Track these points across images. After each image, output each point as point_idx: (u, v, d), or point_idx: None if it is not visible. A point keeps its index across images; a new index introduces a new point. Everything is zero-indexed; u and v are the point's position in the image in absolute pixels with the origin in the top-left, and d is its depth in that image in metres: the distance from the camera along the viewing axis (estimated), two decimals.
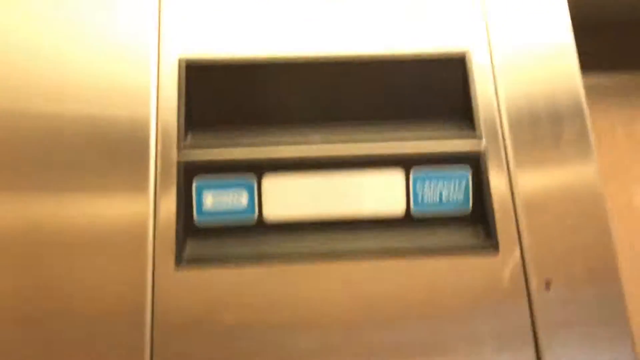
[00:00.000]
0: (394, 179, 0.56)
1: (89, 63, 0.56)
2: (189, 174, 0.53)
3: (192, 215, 0.54)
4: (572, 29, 0.62)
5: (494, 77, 0.59)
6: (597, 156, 0.57)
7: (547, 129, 0.57)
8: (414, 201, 0.56)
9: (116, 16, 0.58)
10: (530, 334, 0.52)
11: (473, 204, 0.56)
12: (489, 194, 0.55)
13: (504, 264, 0.53)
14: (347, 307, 0.51)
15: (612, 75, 0.79)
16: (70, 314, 0.49)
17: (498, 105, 0.58)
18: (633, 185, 0.77)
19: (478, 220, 0.56)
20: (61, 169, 0.52)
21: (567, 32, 0.61)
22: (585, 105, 0.58)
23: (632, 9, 0.72)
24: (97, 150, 0.53)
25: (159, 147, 0.54)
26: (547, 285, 0.53)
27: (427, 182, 0.56)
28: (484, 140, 0.57)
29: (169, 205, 0.53)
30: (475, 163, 0.56)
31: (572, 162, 0.56)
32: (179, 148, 0.54)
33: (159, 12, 0.58)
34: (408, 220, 0.56)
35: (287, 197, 0.55)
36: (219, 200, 0.54)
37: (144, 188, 0.53)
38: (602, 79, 0.76)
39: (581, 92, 0.59)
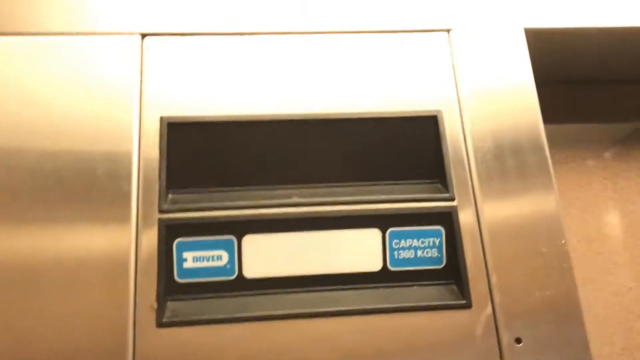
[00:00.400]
0: (371, 237, 0.58)
1: (75, 119, 0.57)
2: (170, 234, 0.54)
3: (173, 274, 0.54)
4: (532, 75, 0.65)
5: (464, 134, 0.62)
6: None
7: (513, 178, 0.60)
8: (390, 258, 0.58)
9: (100, 74, 0.59)
10: None
11: (447, 259, 0.58)
12: (462, 251, 0.58)
13: (477, 319, 0.55)
14: None
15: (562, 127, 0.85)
16: None
17: (468, 162, 0.61)
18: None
19: (452, 276, 0.58)
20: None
21: (529, 76, 0.66)
22: (546, 148, 0.62)
23: (584, 69, 0.78)
24: (79, 209, 0.54)
25: (139, 205, 0.55)
26: (518, 340, 0.55)
27: (402, 241, 0.58)
28: (455, 200, 0.59)
29: (150, 263, 0.54)
30: (448, 222, 0.59)
31: (539, 216, 0.59)
32: (160, 208, 0.55)
33: (141, 73, 0.60)
34: (385, 277, 0.58)
35: (268, 256, 0.56)
36: (199, 259, 0.55)
37: (124, 248, 0.54)
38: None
39: (542, 133, 0.62)
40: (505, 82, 0.65)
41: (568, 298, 0.58)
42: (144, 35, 0.62)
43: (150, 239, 0.55)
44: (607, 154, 0.87)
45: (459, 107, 0.63)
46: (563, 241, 0.59)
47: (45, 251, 0.53)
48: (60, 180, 0.55)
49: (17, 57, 0.59)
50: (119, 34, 0.61)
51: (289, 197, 0.58)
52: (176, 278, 0.54)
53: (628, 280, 0.81)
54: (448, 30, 0.67)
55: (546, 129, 0.64)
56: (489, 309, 0.56)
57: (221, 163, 0.59)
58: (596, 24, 0.70)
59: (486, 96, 0.64)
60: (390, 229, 0.58)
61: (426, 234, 0.59)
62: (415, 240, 0.58)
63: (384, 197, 0.59)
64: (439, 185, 0.61)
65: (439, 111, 0.63)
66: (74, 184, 0.55)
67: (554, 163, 0.62)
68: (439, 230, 0.59)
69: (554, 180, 0.61)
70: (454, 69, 0.65)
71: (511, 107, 0.64)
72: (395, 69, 0.65)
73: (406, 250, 0.58)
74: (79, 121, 0.58)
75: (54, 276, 0.53)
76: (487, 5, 0.68)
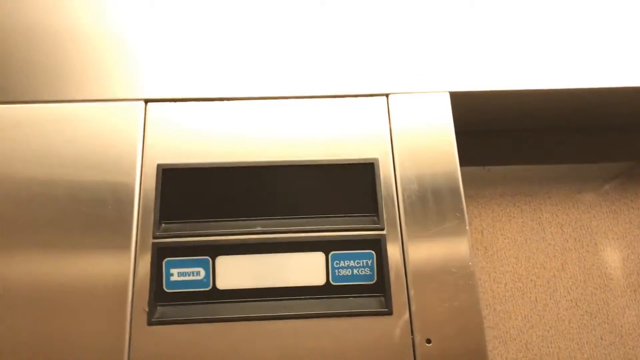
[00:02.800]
0: (317, 259, 0.74)
1: (90, 165, 0.75)
2: (160, 255, 0.71)
3: (162, 285, 0.72)
4: (453, 131, 0.82)
5: (395, 178, 0.79)
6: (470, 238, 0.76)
7: (433, 214, 0.77)
8: (332, 275, 0.74)
9: (112, 131, 0.77)
10: None
11: (377, 277, 0.75)
12: (388, 271, 0.74)
13: (397, 324, 0.72)
14: (277, 355, 0.69)
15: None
16: None
17: (397, 200, 0.78)
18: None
19: (380, 290, 0.74)
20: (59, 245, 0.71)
21: (450, 132, 0.81)
22: (462, 192, 0.78)
23: (502, 119, 0.95)
24: (89, 234, 0.72)
25: (138, 232, 0.73)
26: (428, 341, 0.71)
27: (342, 261, 0.75)
28: (385, 230, 0.76)
29: (144, 277, 0.71)
30: (378, 247, 0.75)
31: (451, 244, 0.76)
32: (154, 235, 0.72)
33: (144, 130, 0.78)
34: (327, 290, 0.74)
35: (236, 272, 0.73)
36: (183, 274, 0.72)
37: (125, 263, 0.71)
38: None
39: (459, 180, 0.79)
40: (430, 137, 0.81)
41: (471, 307, 0.73)
42: (147, 101, 0.80)
43: (145, 258, 0.72)
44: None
45: (392, 156, 0.80)
46: (470, 262, 0.75)
47: (65, 274, 0.70)
48: (80, 212, 0.73)
49: (47, 120, 0.77)
50: (127, 100, 0.80)
51: (254, 226, 0.75)
52: (164, 288, 0.71)
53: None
54: (387, 95, 0.84)
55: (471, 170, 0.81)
56: (407, 316, 0.72)
57: (202, 200, 0.76)
58: (509, 87, 0.87)
59: (414, 148, 0.81)
60: (332, 252, 0.75)
61: (361, 257, 0.75)
62: (352, 261, 0.75)
63: (328, 227, 0.75)
64: (373, 218, 0.77)
65: (375, 159, 0.79)
66: (90, 213, 0.73)
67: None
68: (370, 254, 0.75)
69: (465, 214, 0.78)
70: (390, 125, 0.82)
71: (434, 157, 0.80)
72: (343, 125, 0.81)
73: (345, 269, 0.75)
74: (96, 165, 0.75)
75: (71, 295, 0.69)
76: (419, 74, 0.86)
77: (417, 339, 0.70)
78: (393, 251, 0.74)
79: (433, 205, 0.77)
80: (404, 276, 0.73)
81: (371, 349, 0.70)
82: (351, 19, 0.88)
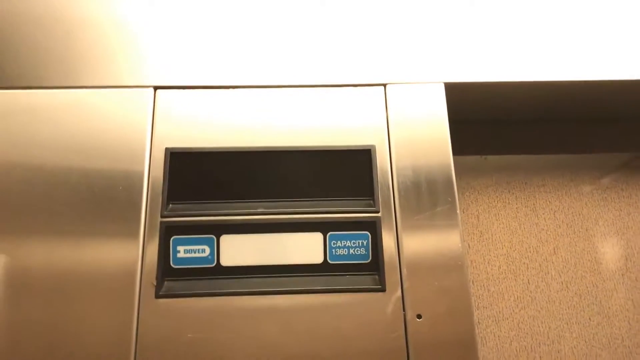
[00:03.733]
0: (315, 238, 0.79)
1: (103, 148, 0.80)
2: (168, 233, 0.76)
3: (169, 261, 0.76)
4: (448, 122, 0.86)
5: (391, 165, 0.83)
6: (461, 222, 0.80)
7: (425, 199, 0.81)
8: (329, 254, 0.79)
9: (123, 117, 0.82)
10: (405, 351, 0.74)
11: (371, 256, 0.79)
12: (382, 251, 0.78)
13: (389, 300, 0.76)
14: (276, 328, 0.74)
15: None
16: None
17: (392, 186, 0.82)
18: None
19: (374, 268, 0.78)
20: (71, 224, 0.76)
21: (444, 122, 0.85)
22: (454, 179, 0.82)
23: (498, 110, 0.99)
24: (101, 214, 0.77)
25: (147, 212, 0.78)
26: (419, 316, 0.76)
27: (339, 241, 0.79)
28: (380, 213, 0.80)
29: (152, 253, 0.76)
30: (373, 228, 0.79)
31: (442, 227, 0.80)
32: (162, 214, 0.77)
33: (153, 116, 0.82)
34: (325, 268, 0.78)
35: (239, 250, 0.78)
36: (189, 251, 0.77)
37: (135, 241, 0.76)
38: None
39: (452, 168, 0.83)
40: (425, 126, 0.85)
41: (461, 286, 0.77)
42: (156, 88, 0.85)
43: (154, 236, 0.77)
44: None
45: (389, 144, 0.84)
46: (459, 245, 0.79)
47: (78, 253, 0.74)
48: (93, 194, 0.78)
49: (60, 105, 0.82)
50: (137, 87, 0.84)
51: (257, 208, 0.80)
52: (172, 264, 0.76)
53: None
54: (384, 85, 0.88)
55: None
56: (399, 293, 0.76)
57: (208, 182, 0.81)
58: (502, 79, 0.91)
59: (410, 136, 0.85)
60: (329, 233, 0.79)
61: (357, 237, 0.79)
62: (348, 242, 0.79)
63: (326, 209, 0.80)
64: (369, 202, 0.81)
65: (372, 146, 0.83)
66: (102, 195, 0.78)
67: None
68: (366, 234, 0.79)
69: (457, 200, 0.82)
70: (387, 114, 0.86)
71: (428, 145, 0.84)
72: (343, 113, 0.86)
73: (341, 249, 0.79)
74: (107, 149, 0.80)
75: (84, 273, 0.73)
76: (415, 65, 0.90)
77: (409, 314, 0.75)
78: (387, 233, 0.78)
79: (426, 190, 0.81)
80: (397, 256, 0.77)
81: (365, 323, 0.74)
82: (352, 12, 0.92)
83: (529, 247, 1.02)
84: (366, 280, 0.76)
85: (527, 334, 0.97)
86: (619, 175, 1.07)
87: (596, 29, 0.93)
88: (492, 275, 1.00)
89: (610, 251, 1.03)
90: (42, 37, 0.87)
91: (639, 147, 1.09)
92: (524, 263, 1.01)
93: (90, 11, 0.89)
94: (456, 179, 0.82)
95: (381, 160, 0.82)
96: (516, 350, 0.96)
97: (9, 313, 0.71)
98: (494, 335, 0.96)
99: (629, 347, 0.97)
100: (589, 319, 0.99)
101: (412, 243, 0.78)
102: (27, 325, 0.71)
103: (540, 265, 1.01)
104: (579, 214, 1.05)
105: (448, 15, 0.92)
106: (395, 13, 0.92)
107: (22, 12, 0.88)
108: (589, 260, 1.02)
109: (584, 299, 1.00)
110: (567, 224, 1.04)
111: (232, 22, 0.90)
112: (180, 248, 0.75)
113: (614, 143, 1.09)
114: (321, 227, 0.78)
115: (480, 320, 0.97)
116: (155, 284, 0.73)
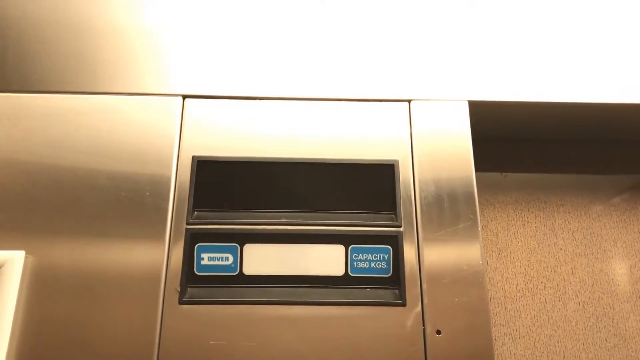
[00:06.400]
0: (337, 251, 0.80)
1: (132, 153, 0.81)
2: (193, 240, 0.77)
3: (193, 268, 0.78)
4: (470, 138, 0.87)
5: (414, 180, 0.84)
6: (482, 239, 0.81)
7: (447, 215, 0.82)
8: (351, 267, 0.79)
9: (151, 124, 0.83)
10: None
11: (392, 270, 0.80)
12: (403, 265, 0.79)
13: (409, 315, 0.77)
14: (296, 337, 0.75)
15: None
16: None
17: (415, 200, 0.83)
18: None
19: (395, 282, 0.79)
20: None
21: (467, 139, 0.86)
22: (476, 196, 0.83)
23: (519, 128, 1.00)
24: (128, 220, 0.78)
25: (173, 219, 0.79)
26: (438, 332, 0.76)
27: (360, 254, 0.80)
28: (402, 227, 0.81)
29: (177, 259, 0.77)
30: (395, 243, 0.80)
31: (463, 243, 0.80)
32: (187, 221, 0.78)
33: (181, 124, 0.84)
34: (346, 281, 0.79)
35: (261, 260, 0.79)
36: (213, 259, 0.78)
37: (160, 246, 0.77)
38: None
39: (474, 185, 0.83)
40: (448, 143, 0.86)
41: (480, 303, 0.78)
42: (185, 97, 0.87)
43: (179, 243, 0.78)
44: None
45: (412, 159, 0.85)
46: (480, 261, 0.80)
47: (105, 258, 0.75)
48: (120, 199, 0.79)
49: (92, 110, 0.84)
50: (166, 95, 0.86)
51: (280, 218, 0.81)
52: (195, 271, 0.77)
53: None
54: (409, 101, 0.89)
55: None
56: (419, 308, 0.77)
57: (233, 191, 0.82)
58: (525, 98, 0.91)
59: (433, 152, 0.86)
60: (351, 245, 0.80)
61: (378, 251, 0.80)
62: (370, 255, 0.80)
63: (348, 222, 0.80)
64: (391, 216, 0.82)
65: (396, 161, 0.84)
66: (129, 200, 0.79)
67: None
68: (387, 249, 0.80)
69: (478, 216, 0.83)
70: (410, 130, 0.87)
71: (451, 162, 0.85)
72: (367, 127, 0.87)
73: (363, 262, 0.80)
74: (135, 155, 0.81)
75: (110, 277, 0.74)
76: (440, 82, 0.91)
77: (428, 329, 0.75)
78: (408, 247, 0.79)
79: (448, 206, 0.82)
80: (418, 271, 0.78)
81: (384, 336, 0.75)
82: (380, 30, 0.94)
83: (547, 267, 1.03)
84: (387, 294, 0.77)
85: (543, 353, 0.97)
86: (637, 197, 1.07)
87: (615, 53, 0.94)
88: (510, 293, 1.00)
89: (627, 273, 1.03)
90: (75, 43, 0.89)
91: None
92: (542, 282, 1.01)
93: (119, 21, 0.91)
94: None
95: (404, 175, 0.83)
96: None
97: (36, 311, 0.72)
98: (511, 353, 0.96)
99: None
100: (605, 340, 0.98)
101: (433, 258, 0.79)
102: (53, 324, 0.72)
103: (557, 284, 1.01)
104: (598, 235, 1.05)
105: (473, 35, 0.94)
106: (422, 32, 0.93)
107: (55, 21, 0.90)
108: (606, 281, 1.02)
109: (601, 321, 1.00)
110: (585, 245, 1.04)
111: (260, 34, 0.91)
112: (205, 255, 0.77)
113: (635, 164, 1.09)
114: (343, 239, 0.79)
115: (497, 338, 0.97)
116: (179, 289, 0.74)
